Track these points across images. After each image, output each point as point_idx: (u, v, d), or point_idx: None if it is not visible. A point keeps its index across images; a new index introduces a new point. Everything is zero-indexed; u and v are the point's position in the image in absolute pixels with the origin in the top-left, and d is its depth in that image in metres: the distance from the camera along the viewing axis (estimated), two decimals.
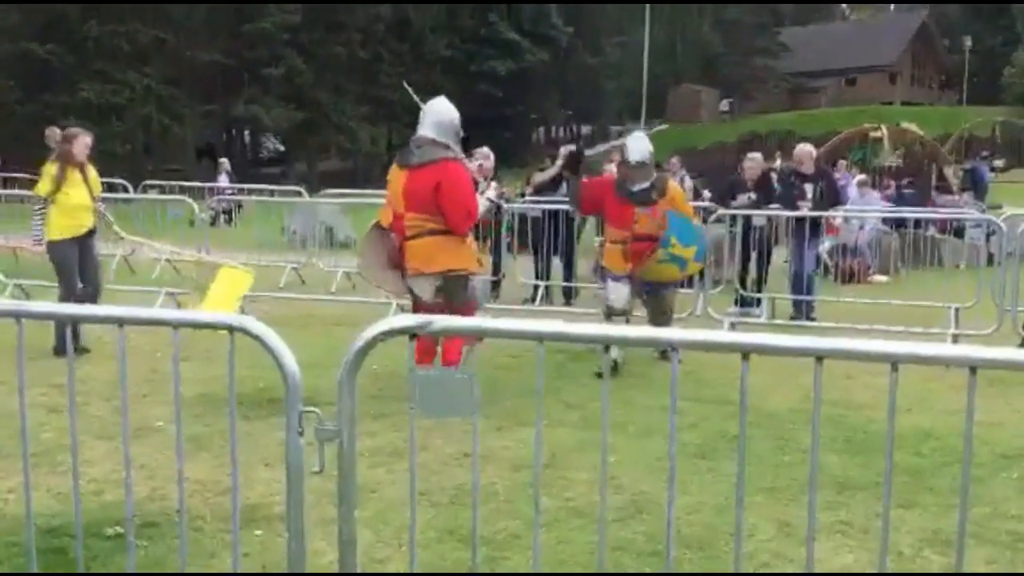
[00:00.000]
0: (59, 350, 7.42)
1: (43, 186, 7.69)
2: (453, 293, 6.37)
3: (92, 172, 7.93)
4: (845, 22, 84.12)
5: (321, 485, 4.27)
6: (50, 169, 7.70)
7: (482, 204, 6.65)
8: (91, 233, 7.92)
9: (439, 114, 6.44)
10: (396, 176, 6.44)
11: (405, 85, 7.20)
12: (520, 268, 11.72)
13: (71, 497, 2.86)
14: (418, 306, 6.43)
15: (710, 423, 5.85)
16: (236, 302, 7.59)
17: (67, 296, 7.71)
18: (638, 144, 7.62)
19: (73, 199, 7.69)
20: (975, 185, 19.98)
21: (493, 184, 7.15)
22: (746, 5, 62.24)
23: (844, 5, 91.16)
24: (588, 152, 8.35)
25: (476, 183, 6.91)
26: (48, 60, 37.05)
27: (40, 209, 7.72)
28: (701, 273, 9.33)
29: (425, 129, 6.39)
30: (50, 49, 36.95)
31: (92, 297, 7.82)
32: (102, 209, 8.11)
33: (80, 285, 7.80)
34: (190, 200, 12.11)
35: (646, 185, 7.45)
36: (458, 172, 6.32)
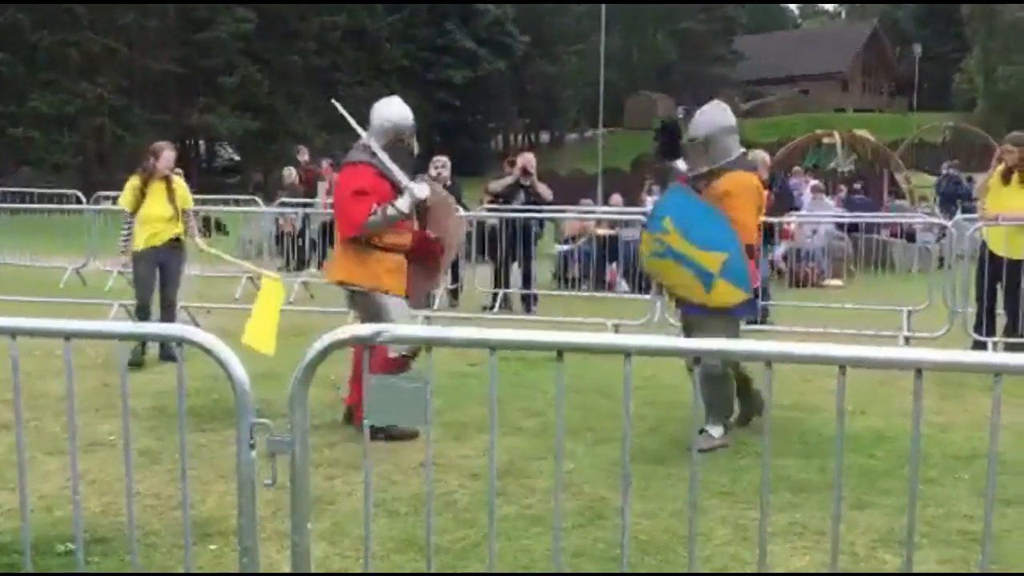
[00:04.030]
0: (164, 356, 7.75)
1: (125, 199, 7.95)
2: (361, 314, 5.80)
3: (179, 184, 8.11)
4: (797, 30, 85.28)
5: (277, 497, 4.23)
6: (133, 182, 7.92)
7: (390, 209, 5.71)
8: (175, 245, 8.06)
9: (376, 114, 5.94)
10: None
11: (334, 102, 6.66)
12: (478, 276, 11.73)
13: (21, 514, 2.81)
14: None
15: (668, 428, 5.88)
16: (277, 314, 7.12)
17: (139, 307, 8.01)
18: (701, 116, 5.80)
19: (153, 211, 7.87)
20: (955, 191, 19.98)
21: (418, 180, 5.90)
22: (700, 15, 62.86)
23: (796, 13, 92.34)
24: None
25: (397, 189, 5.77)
26: None
27: (128, 222, 7.94)
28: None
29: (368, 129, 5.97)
30: (0, 59, 36.38)
31: (167, 312, 8.09)
32: (191, 222, 8.31)
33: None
34: None
35: (703, 170, 5.70)
36: (348, 175, 5.82)
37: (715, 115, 5.75)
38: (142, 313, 8.06)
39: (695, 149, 5.72)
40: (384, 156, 5.78)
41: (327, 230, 13.49)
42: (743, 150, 5.84)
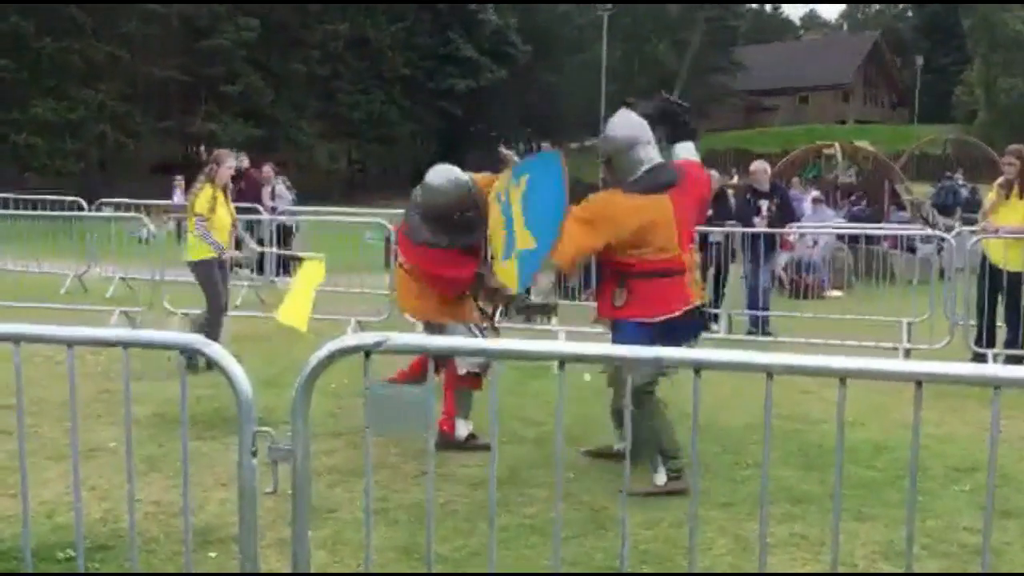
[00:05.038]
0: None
1: (201, 205, 7.76)
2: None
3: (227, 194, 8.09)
4: (799, 41, 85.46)
5: (278, 505, 4.23)
6: (208, 190, 7.79)
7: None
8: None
9: None
10: None
11: None
12: None
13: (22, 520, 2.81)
14: None
15: None
16: (313, 293, 7.26)
17: (215, 314, 7.83)
18: (607, 132, 5.19)
19: (221, 220, 7.84)
20: (953, 201, 19.92)
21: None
22: (702, 25, 63.01)
23: (798, 24, 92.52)
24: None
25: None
26: (1, 77, 36.52)
27: (203, 227, 7.73)
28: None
29: None
30: (2, 65, 36.42)
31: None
32: (239, 229, 8.32)
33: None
34: (146, 218, 11.98)
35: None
36: None
37: (617, 131, 5.08)
38: (216, 324, 7.75)
39: (606, 168, 5.19)
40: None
41: (280, 234, 13.55)
42: (656, 162, 5.08)
